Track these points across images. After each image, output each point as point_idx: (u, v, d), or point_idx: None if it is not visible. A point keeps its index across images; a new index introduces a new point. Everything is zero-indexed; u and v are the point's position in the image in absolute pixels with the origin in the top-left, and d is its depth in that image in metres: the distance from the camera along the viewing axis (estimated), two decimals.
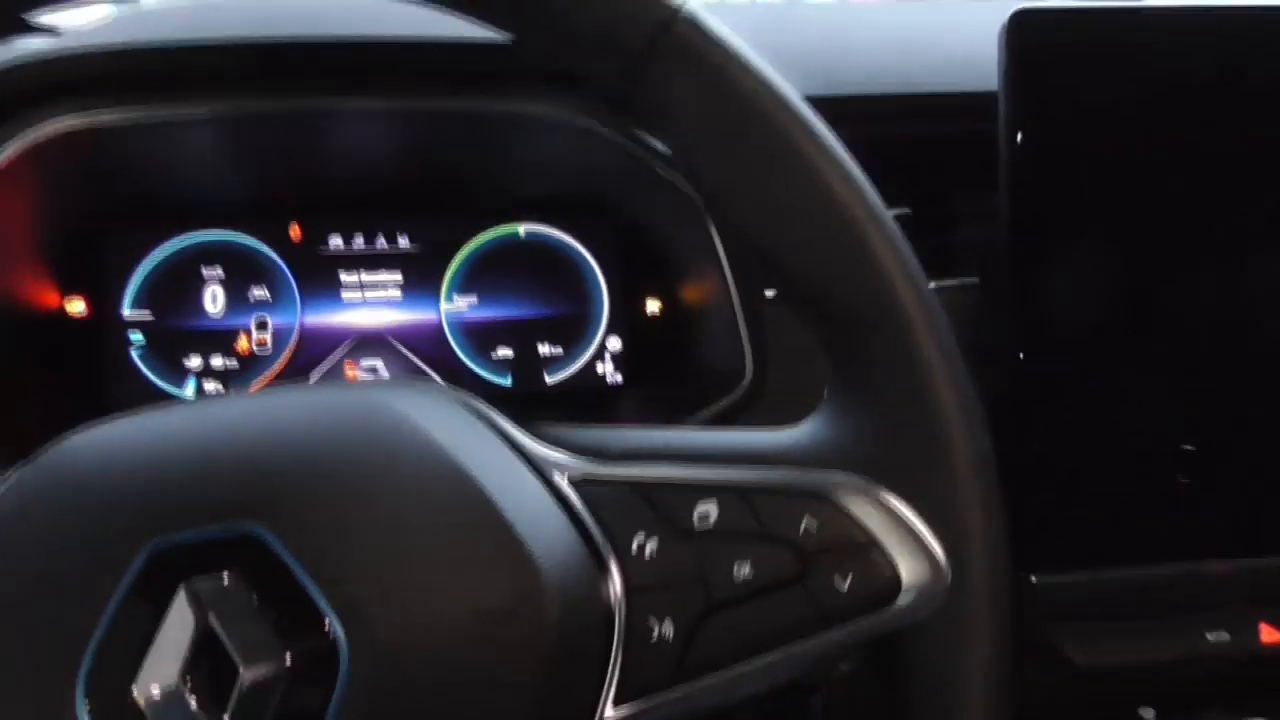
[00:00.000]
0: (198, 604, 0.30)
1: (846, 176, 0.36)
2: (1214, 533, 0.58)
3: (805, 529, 0.35)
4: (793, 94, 0.37)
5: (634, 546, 0.35)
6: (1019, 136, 0.56)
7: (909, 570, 0.34)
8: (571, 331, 0.69)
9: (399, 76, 0.59)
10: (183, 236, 0.66)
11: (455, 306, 0.68)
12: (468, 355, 0.68)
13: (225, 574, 0.31)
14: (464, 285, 0.69)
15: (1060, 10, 0.56)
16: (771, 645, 0.34)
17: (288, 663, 0.30)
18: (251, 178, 0.65)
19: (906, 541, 0.35)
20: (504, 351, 0.69)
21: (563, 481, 0.36)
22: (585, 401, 0.69)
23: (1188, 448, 0.58)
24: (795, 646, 0.34)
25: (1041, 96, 0.56)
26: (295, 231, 0.67)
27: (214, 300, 0.67)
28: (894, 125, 0.65)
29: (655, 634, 0.34)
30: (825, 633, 0.34)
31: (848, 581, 0.34)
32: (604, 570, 0.34)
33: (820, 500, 0.35)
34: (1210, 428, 0.59)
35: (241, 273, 0.67)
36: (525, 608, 0.32)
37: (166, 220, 0.66)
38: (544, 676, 0.32)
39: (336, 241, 0.68)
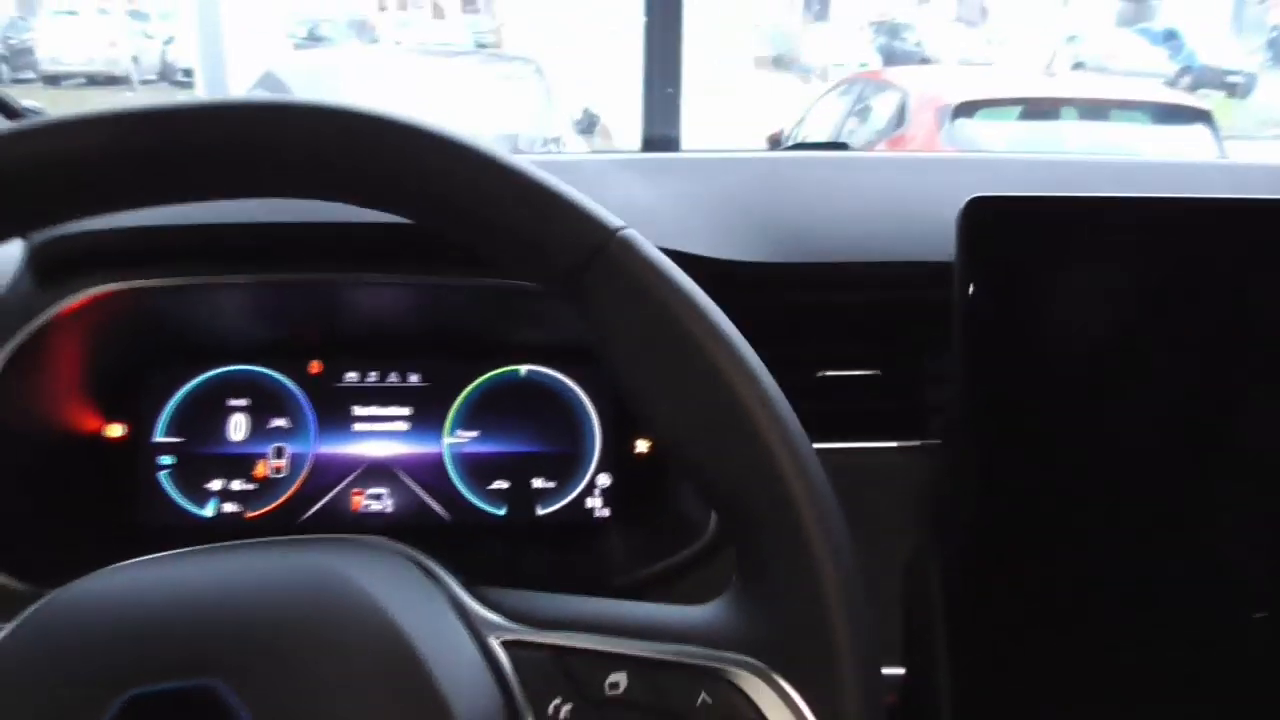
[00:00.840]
0: None
1: (760, 392, 0.41)
2: (1151, 678, 0.60)
3: (701, 703, 0.39)
4: (714, 312, 0.42)
5: (550, 709, 0.39)
6: (972, 310, 0.61)
7: None
8: (565, 467, 0.74)
9: (413, 255, 0.66)
10: (212, 371, 0.73)
11: (457, 440, 0.74)
12: (466, 486, 0.73)
13: None
14: (466, 421, 0.74)
15: (1013, 199, 0.61)
16: None
17: None
18: (277, 324, 0.72)
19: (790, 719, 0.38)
20: (500, 483, 0.74)
21: (495, 643, 0.41)
22: (573, 533, 0.73)
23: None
24: None
25: (993, 276, 0.60)
26: (314, 367, 0.74)
27: (237, 429, 0.73)
28: (865, 291, 0.70)
29: None
30: None
31: None
32: None
33: (717, 679, 0.39)
34: (1160, 596, 0.61)
35: (264, 404, 0.73)
36: None
37: (198, 356, 0.73)
38: None
39: (351, 377, 0.74)
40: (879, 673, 0.40)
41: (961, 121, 4.62)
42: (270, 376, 0.74)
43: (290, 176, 0.42)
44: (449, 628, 0.40)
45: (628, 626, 0.41)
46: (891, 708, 0.63)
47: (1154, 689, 0.61)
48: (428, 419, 0.74)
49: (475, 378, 0.75)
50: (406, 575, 0.42)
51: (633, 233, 0.42)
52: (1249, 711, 0.62)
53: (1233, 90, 13.52)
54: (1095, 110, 5.03)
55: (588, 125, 6.01)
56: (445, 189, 0.42)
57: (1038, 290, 0.61)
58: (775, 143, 6.28)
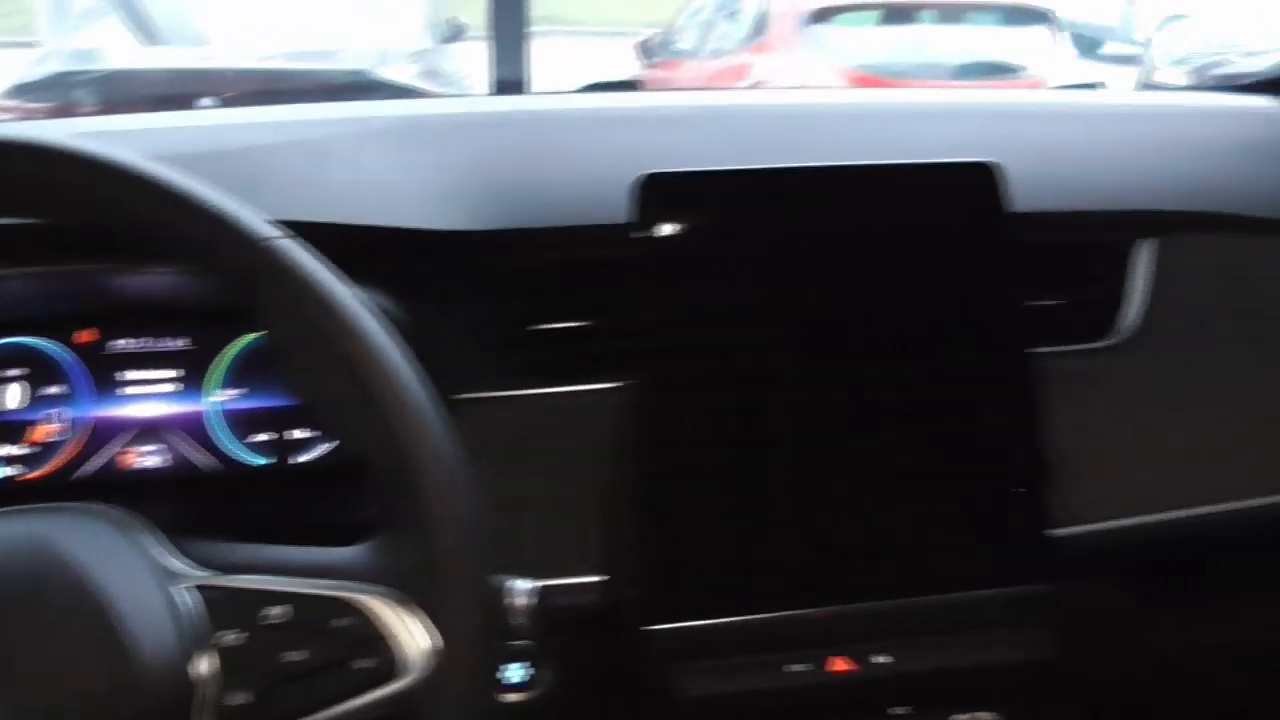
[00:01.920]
0: None
1: (382, 367, 0.50)
2: (804, 585, 0.73)
3: (341, 626, 0.49)
4: (352, 303, 0.51)
5: (224, 638, 0.49)
6: (648, 270, 0.71)
7: (411, 654, 0.49)
8: None
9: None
10: None
11: (221, 398, 0.82)
12: (230, 441, 0.81)
13: None
14: (230, 379, 0.82)
15: (680, 174, 0.71)
16: (315, 709, 0.49)
17: None
18: (44, 302, 0.79)
19: (410, 635, 0.49)
20: (262, 436, 0.82)
21: (181, 588, 0.50)
22: (334, 476, 0.82)
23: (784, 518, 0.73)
24: (332, 710, 0.49)
25: (665, 241, 0.70)
26: (84, 336, 0.81)
27: (12, 397, 0.80)
28: (575, 249, 0.79)
29: (237, 701, 0.48)
30: (353, 701, 0.49)
31: (369, 664, 0.49)
32: (199, 657, 0.49)
33: (352, 605, 0.50)
34: (796, 502, 0.74)
35: (40, 373, 0.80)
36: (122, 690, 0.46)
37: None
38: None
39: (121, 344, 0.81)
40: (488, 594, 0.50)
41: (819, 28, 4.71)
42: (41, 346, 0.80)
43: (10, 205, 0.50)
44: (136, 578, 0.50)
45: (290, 567, 0.51)
46: (593, 608, 0.75)
47: (794, 574, 0.73)
48: (193, 380, 0.82)
49: (236, 339, 0.82)
50: (105, 535, 0.51)
51: (281, 242, 0.51)
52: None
53: None
54: (951, 13, 5.16)
55: (453, 35, 5.91)
56: (118, 214, 0.50)
57: (698, 252, 0.72)
58: (645, 49, 6.29)
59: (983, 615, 0.74)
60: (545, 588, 0.71)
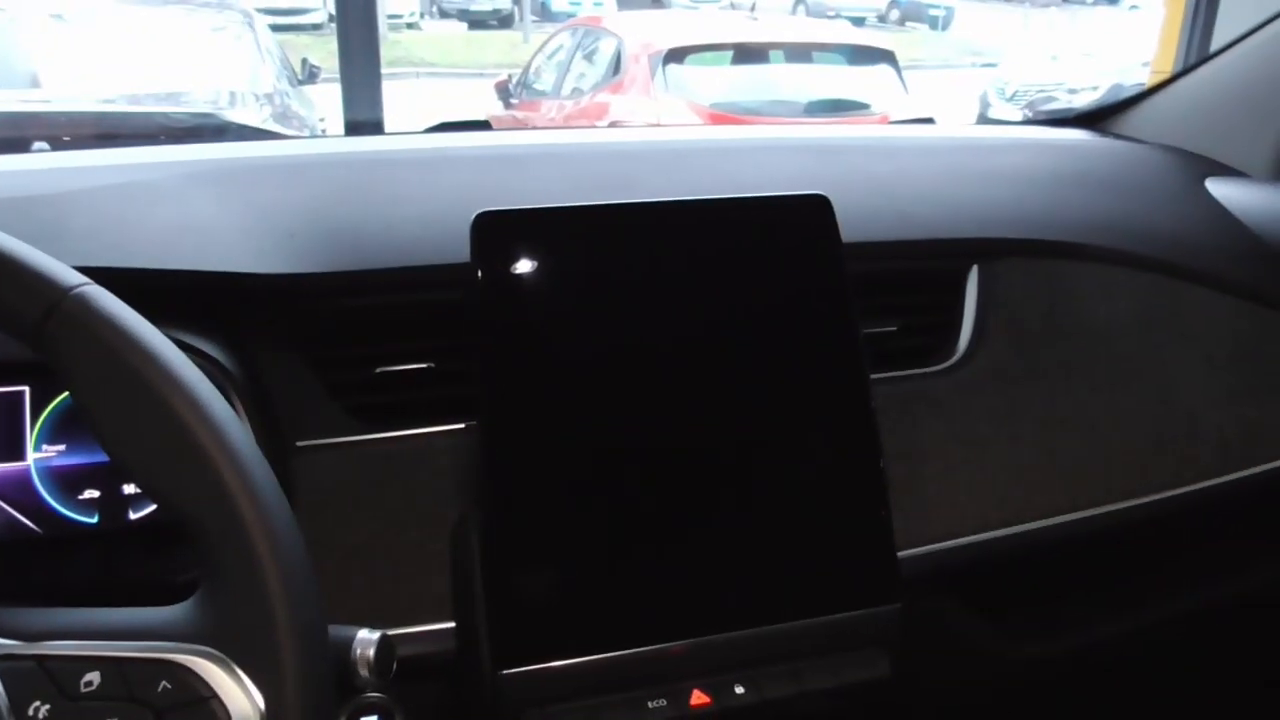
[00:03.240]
0: None
1: (203, 417, 0.48)
2: (658, 620, 0.73)
3: (162, 689, 0.47)
4: (169, 352, 0.49)
5: (30, 711, 0.46)
6: (485, 309, 0.71)
7: (239, 715, 0.47)
8: None
9: None
10: None
11: (43, 454, 0.77)
12: (55, 499, 0.77)
13: None
14: (53, 435, 0.77)
15: (511, 212, 0.71)
16: None
17: None
18: None
19: (239, 694, 0.47)
20: (90, 493, 0.78)
21: None
22: (166, 533, 0.79)
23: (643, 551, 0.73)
24: None
25: (501, 279, 0.70)
26: None
27: None
28: (414, 291, 0.78)
29: None
30: None
31: None
32: None
33: (176, 667, 0.47)
34: (645, 537, 0.74)
35: None
36: None
37: None
38: None
39: None
40: (317, 644, 0.49)
41: (673, 67, 4.82)
42: None
43: None
44: None
45: (104, 630, 0.48)
46: (446, 655, 0.73)
47: (664, 614, 0.73)
48: (12, 437, 0.77)
49: (57, 394, 0.78)
50: None
51: (91, 289, 0.49)
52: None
53: (934, 23, 14.63)
54: (799, 53, 5.35)
55: (309, 76, 5.80)
56: None
57: (538, 289, 0.71)
58: (503, 90, 6.30)
59: (832, 639, 0.75)
60: (391, 636, 0.70)
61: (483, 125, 1.40)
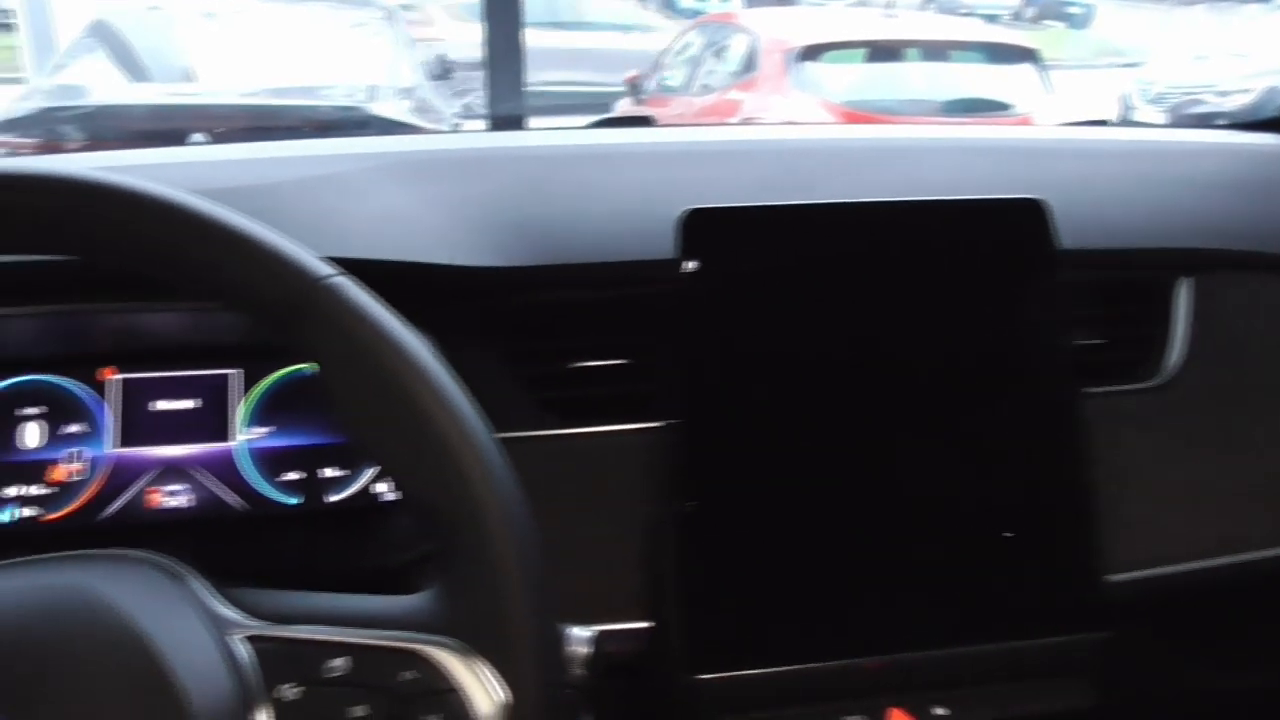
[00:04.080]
0: None
1: (448, 412, 0.48)
2: (862, 635, 0.71)
3: (406, 678, 0.47)
4: (414, 344, 0.49)
5: (281, 691, 0.47)
6: (688, 305, 0.70)
7: (481, 708, 0.46)
8: (353, 456, 0.81)
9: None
10: (4, 382, 0.77)
11: (250, 436, 0.79)
12: (260, 479, 0.79)
13: None
14: (258, 417, 0.80)
15: (723, 209, 0.70)
16: None
17: None
18: (65, 340, 0.76)
19: (480, 688, 0.47)
20: (292, 475, 0.80)
21: (234, 638, 0.48)
22: (362, 517, 0.80)
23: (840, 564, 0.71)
24: None
25: (707, 276, 0.69)
26: (107, 373, 0.78)
27: (34, 436, 0.77)
28: (609, 287, 0.78)
29: None
30: None
31: (437, 719, 0.46)
32: (257, 711, 0.46)
33: (419, 657, 0.47)
34: (848, 548, 0.72)
35: (58, 411, 0.77)
36: None
37: None
38: None
39: (146, 383, 0.79)
40: (557, 644, 0.48)
41: (807, 64, 4.76)
42: (61, 385, 0.78)
43: (31, 241, 0.48)
44: (189, 628, 0.47)
45: (347, 617, 0.49)
46: (640, 656, 0.73)
47: (864, 628, 0.72)
48: (220, 418, 0.79)
49: (265, 377, 0.80)
50: (154, 583, 0.49)
51: (339, 280, 0.49)
52: (950, 632, 0.73)
53: (1072, 21, 14.10)
54: (936, 51, 5.22)
55: (443, 72, 5.93)
56: (162, 250, 0.48)
57: (745, 288, 0.70)
58: (634, 85, 6.33)
59: (1035, 663, 0.72)
60: (602, 634, 0.70)
61: (645, 121, 1.40)
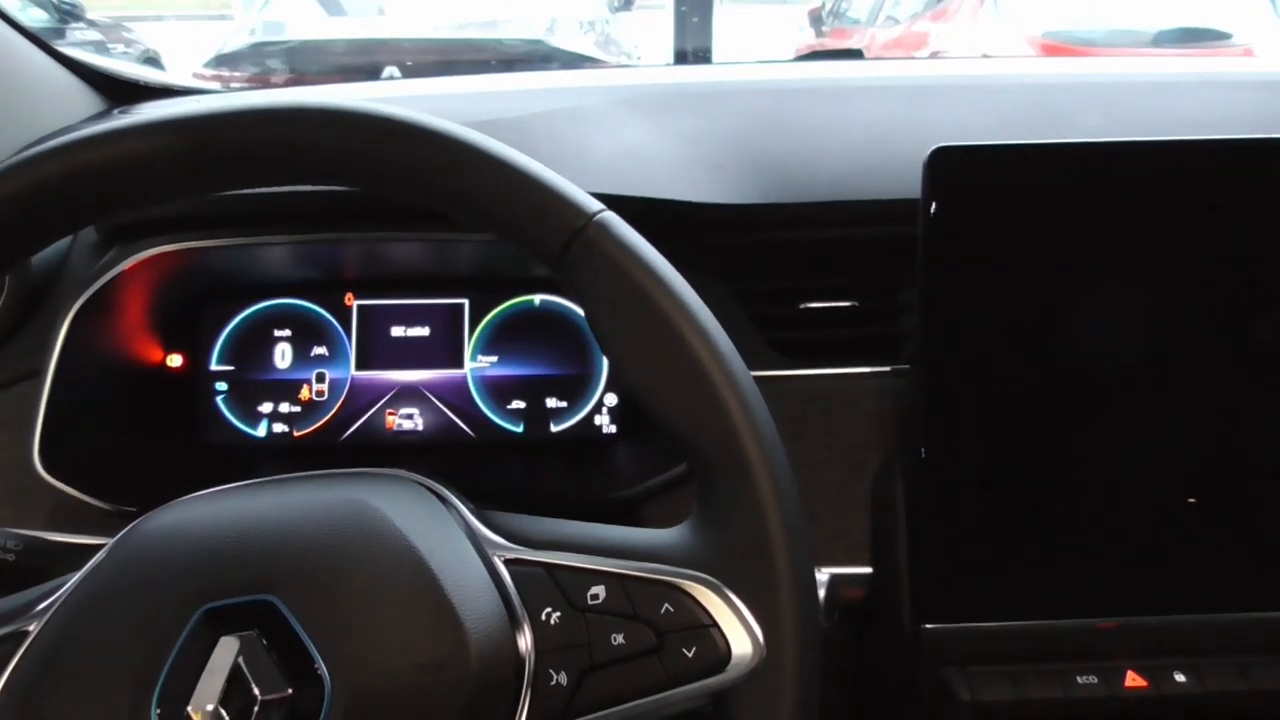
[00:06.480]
0: (232, 650, 0.44)
1: (713, 351, 0.48)
2: (1095, 595, 0.68)
3: (665, 611, 0.47)
4: (678, 283, 0.49)
5: (543, 615, 0.48)
6: (934, 247, 0.67)
7: (738, 646, 0.47)
8: (576, 388, 0.82)
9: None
10: (258, 305, 0.81)
11: (479, 364, 0.82)
12: (487, 406, 0.82)
13: (255, 630, 0.45)
14: (487, 346, 0.82)
15: (972, 149, 0.66)
16: (634, 697, 0.47)
17: (289, 693, 0.44)
18: (315, 268, 0.80)
19: (738, 625, 0.47)
20: (517, 404, 0.82)
21: (498, 560, 0.49)
22: (584, 448, 0.82)
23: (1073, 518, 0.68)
24: (651, 699, 0.47)
25: (954, 217, 0.66)
26: (349, 300, 0.82)
27: (283, 357, 0.82)
28: (844, 227, 0.75)
29: (553, 681, 0.47)
30: (673, 690, 0.47)
31: (693, 653, 0.47)
32: (519, 632, 0.48)
33: (678, 591, 0.48)
34: (1091, 502, 0.69)
35: (305, 334, 0.82)
36: (454, 662, 0.45)
37: (246, 294, 0.81)
38: (467, 715, 0.45)
39: (383, 309, 0.82)
40: (813, 584, 0.48)
41: None
42: (310, 309, 0.82)
43: (319, 174, 0.50)
44: (459, 548, 0.49)
45: (607, 547, 0.50)
46: (861, 601, 0.72)
47: (1097, 586, 0.68)
48: (452, 346, 0.82)
49: (494, 307, 0.82)
50: (424, 503, 0.51)
51: (609, 216, 0.49)
52: (1192, 597, 0.69)
53: None
54: None
55: (623, 4, 5.90)
56: (444, 183, 0.49)
57: (994, 231, 0.67)
58: (815, 18, 6.15)
59: None
60: (835, 577, 0.69)
61: (855, 55, 1.35)
